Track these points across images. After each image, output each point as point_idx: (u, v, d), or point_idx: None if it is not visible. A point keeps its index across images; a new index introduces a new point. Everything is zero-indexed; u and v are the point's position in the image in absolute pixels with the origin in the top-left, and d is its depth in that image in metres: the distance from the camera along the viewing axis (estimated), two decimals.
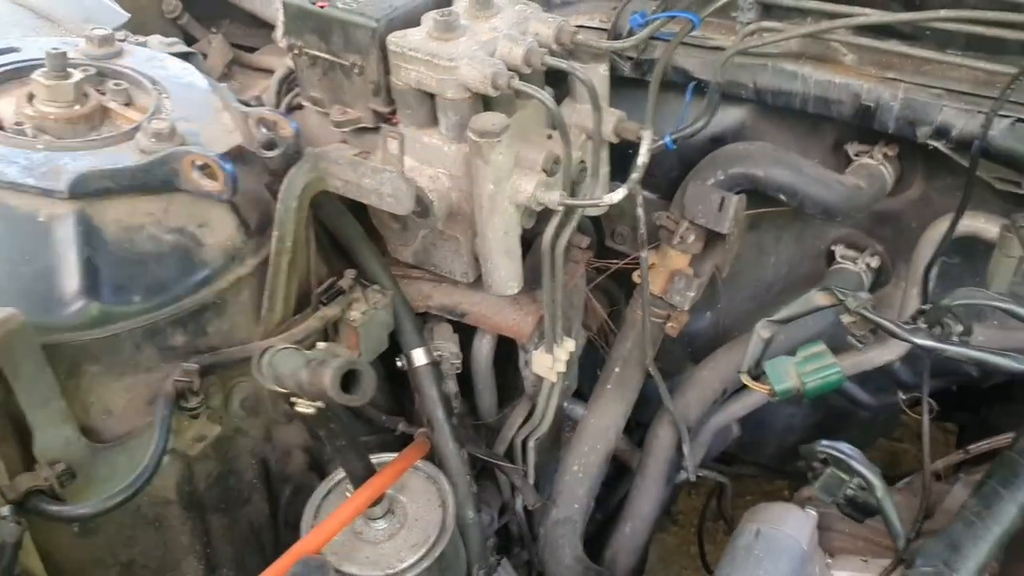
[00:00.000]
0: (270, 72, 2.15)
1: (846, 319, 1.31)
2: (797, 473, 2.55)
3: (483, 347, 1.90)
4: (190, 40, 2.23)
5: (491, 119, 1.53)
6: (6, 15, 1.79)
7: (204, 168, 1.40)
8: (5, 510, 1.13)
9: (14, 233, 1.35)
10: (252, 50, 2.37)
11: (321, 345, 1.31)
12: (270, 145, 1.45)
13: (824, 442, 1.41)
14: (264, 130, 1.50)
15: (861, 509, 1.40)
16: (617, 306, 2.22)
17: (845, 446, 1.40)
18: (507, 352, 1.94)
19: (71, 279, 1.33)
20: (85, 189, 1.37)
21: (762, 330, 1.38)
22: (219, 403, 1.48)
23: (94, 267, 1.35)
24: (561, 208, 1.60)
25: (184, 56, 1.80)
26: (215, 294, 1.44)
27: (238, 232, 1.48)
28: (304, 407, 1.22)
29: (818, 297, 1.33)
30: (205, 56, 2.13)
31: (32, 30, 1.76)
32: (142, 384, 1.40)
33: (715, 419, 2.11)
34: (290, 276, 1.51)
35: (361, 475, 1.47)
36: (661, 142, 1.68)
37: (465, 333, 1.88)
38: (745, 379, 1.40)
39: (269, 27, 2.30)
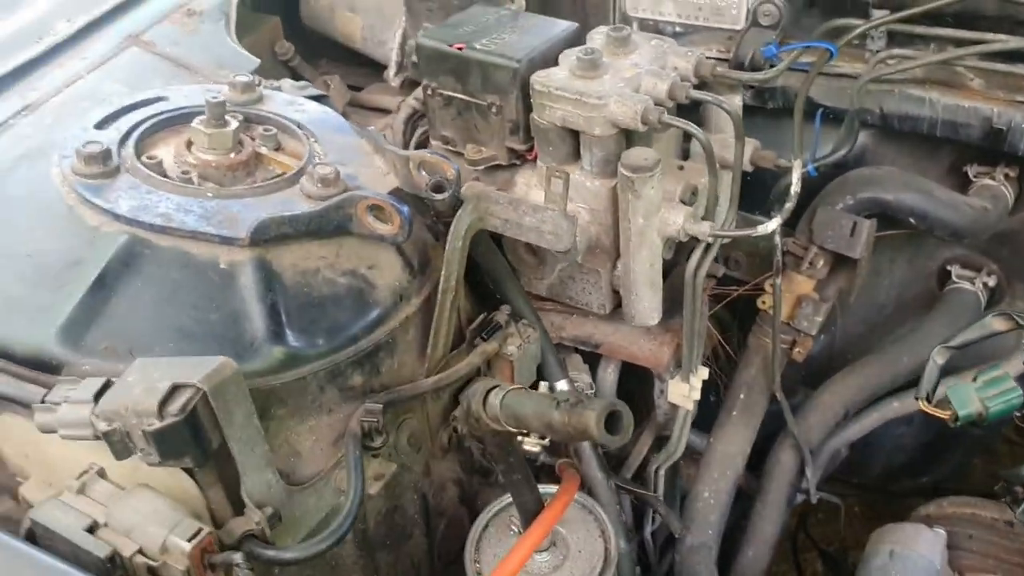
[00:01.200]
0: (382, 111, 2.18)
1: None
2: (902, 492, 2.57)
3: (608, 376, 1.91)
4: (300, 80, 2.27)
5: (642, 154, 1.55)
6: (146, 65, 1.83)
7: (376, 211, 1.43)
8: (239, 557, 1.14)
9: (199, 280, 1.37)
10: (354, 88, 2.40)
11: (546, 387, 1.32)
12: (439, 188, 1.47)
13: None
14: (424, 173, 1.52)
15: None
16: (729, 332, 2.24)
17: None
18: (627, 380, 1.95)
19: (258, 324, 1.36)
20: (265, 235, 1.39)
21: (938, 356, 1.40)
22: (392, 441, 1.50)
23: (277, 312, 1.37)
24: (710, 239, 1.62)
25: (316, 99, 1.84)
26: (387, 333, 1.46)
27: (404, 272, 1.51)
28: (532, 445, 1.24)
29: (996, 322, 1.35)
30: None
31: (172, 78, 1.80)
32: (324, 426, 1.42)
33: (834, 441, 2.13)
34: (452, 314, 1.54)
35: (532, 508, 1.48)
36: (804, 170, 1.71)
37: (588, 362, 1.90)
38: (923, 405, 1.41)
39: (368, 64, 2.34)
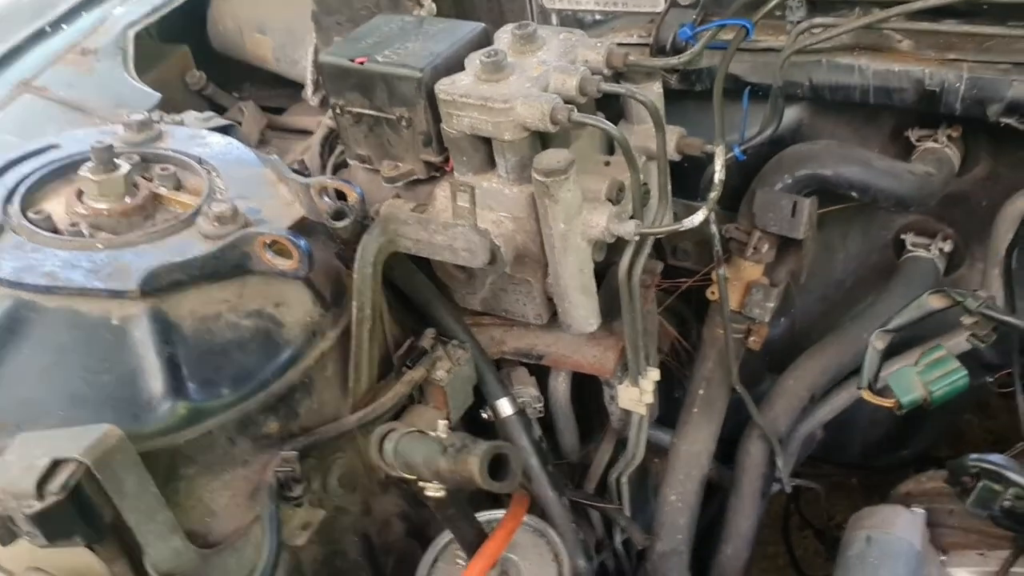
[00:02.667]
0: (305, 133, 2.11)
1: (967, 320, 1.25)
2: (886, 468, 2.50)
3: (559, 386, 1.84)
4: (217, 109, 2.19)
5: (555, 156, 1.47)
6: (39, 112, 1.75)
7: (275, 246, 1.35)
8: None
9: (89, 340, 1.30)
10: (277, 110, 2.32)
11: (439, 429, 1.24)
12: (339, 215, 1.40)
13: (973, 456, 1.34)
14: (327, 199, 1.45)
15: (1021, 520, 1.32)
16: (687, 325, 2.16)
17: (997, 457, 1.33)
18: (581, 387, 1.88)
19: (155, 381, 1.28)
20: (156, 285, 1.31)
21: (877, 341, 1.32)
22: (318, 485, 1.43)
23: (176, 364, 1.29)
24: (637, 238, 1.54)
25: (222, 129, 1.76)
26: (301, 373, 1.39)
27: (315, 306, 1.43)
28: (434, 491, 1.16)
29: (932, 300, 1.27)
30: (239, 124, 2.08)
31: (67, 123, 1.72)
32: (241, 479, 1.35)
33: (803, 427, 2.05)
34: (372, 344, 1.46)
35: (473, 541, 1.41)
36: (731, 154, 1.63)
37: (538, 373, 1.83)
38: (866, 394, 1.33)
39: (292, 86, 2.26)
